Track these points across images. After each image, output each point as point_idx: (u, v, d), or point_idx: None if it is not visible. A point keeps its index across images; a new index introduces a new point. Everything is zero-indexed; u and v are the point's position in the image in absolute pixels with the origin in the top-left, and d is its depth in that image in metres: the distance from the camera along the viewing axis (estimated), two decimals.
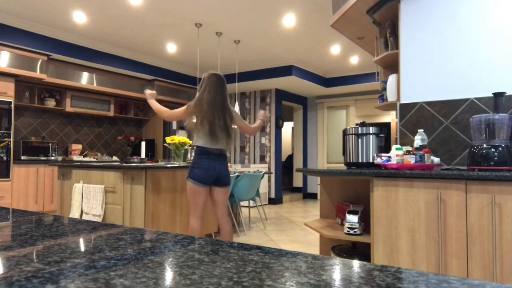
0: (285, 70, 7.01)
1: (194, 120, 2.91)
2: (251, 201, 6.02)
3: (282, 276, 0.42)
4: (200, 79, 7.97)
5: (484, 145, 2.03)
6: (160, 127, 7.39)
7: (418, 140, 2.31)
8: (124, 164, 3.57)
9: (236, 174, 4.87)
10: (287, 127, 11.60)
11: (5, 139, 4.98)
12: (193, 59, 6.95)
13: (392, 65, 3.20)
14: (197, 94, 2.94)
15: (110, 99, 6.75)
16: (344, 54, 6.68)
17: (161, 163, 3.98)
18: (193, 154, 4.30)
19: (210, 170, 2.85)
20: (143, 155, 4.65)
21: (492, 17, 2.45)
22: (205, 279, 0.41)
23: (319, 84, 7.76)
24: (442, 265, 1.92)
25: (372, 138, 2.48)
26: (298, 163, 8.97)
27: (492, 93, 2.19)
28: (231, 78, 7.56)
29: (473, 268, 1.85)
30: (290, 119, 10.68)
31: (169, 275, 0.43)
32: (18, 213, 0.87)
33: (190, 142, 4.12)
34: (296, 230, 5.02)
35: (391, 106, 3.07)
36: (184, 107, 2.95)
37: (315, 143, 8.93)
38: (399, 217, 2.06)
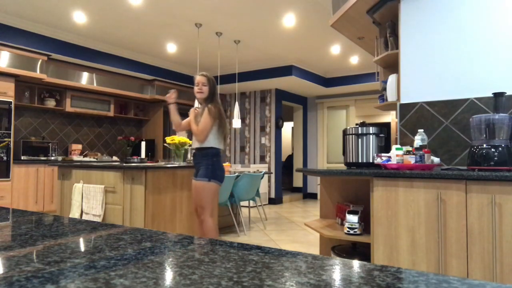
0: (285, 70, 7.00)
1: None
2: (251, 201, 6.02)
3: (282, 276, 0.42)
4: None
5: (484, 145, 2.03)
6: (160, 127, 7.39)
7: (418, 140, 2.31)
8: (124, 164, 3.57)
9: (236, 174, 4.87)
10: (287, 127, 11.60)
11: (5, 139, 4.98)
12: (193, 59, 6.95)
13: (392, 65, 3.20)
14: (213, 98, 3.09)
15: (110, 99, 6.75)
16: (344, 54, 6.68)
17: (161, 163, 3.98)
18: (191, 154, 4.32)
19: (224, 170, 3.13)
20: (143, 155, 4.65)
21: (492, 17, 2.45)
22: (205, 279, 0.41)
23: (319, 84, 7.76)
24: (442, 265, 1.92)
25: (372, 138, 2.48)
26: (298, 163, 8.96)
27: (492, 93, 2.19)
28: (231, 78, 7.56)
29: (473, 268, 1.85)
30: (290, 119, 10.68)
31: (169, 275, 0.43)
32: (18, 213, 0.87)
33: (190, 142, 4.13)
34: (296, 230, 5.02)
35: (391, 106, 3.07)
36: (211, 116, 3.00)
37: (315, 143, 8.93)
38: (399, 217, 2.06)
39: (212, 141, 3.03)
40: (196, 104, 3.23)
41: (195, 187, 3.03)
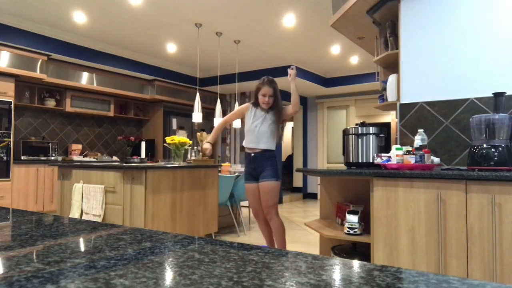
0: (285, 70, 6.99)
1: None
2: None
3: (282, 276, 0.42)
4: (199, 78, 7.97)
5: (484, 145, 2.03)
6: (160, 127, 7.39)
7: (418, 140, 2.31)
8: (124, 164, 3.57)
9: (236, 174, 4.88)
10: (287, 127, 11.60)
11: (5, 139, 4.98)
12: (193, 59, 6.95)
13: (392, 65, 3.20)
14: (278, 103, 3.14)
15: (110, 99, 6.75)
16: (344, 54, 6.68)
17: (161, 163, 3.98)
18: (193, 154, 4.31)
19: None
20: (143, 155, 4.66)
21: (492, 17, 2.45)
22: (205, 279, 0.41)
23: (319, 84, 7.76)
24: (442, 265, 1.92)
25: (372, 138, 2.48)
26: (298, 163, 8.96)
27: (492, 93, 2.19)
28: (231, 78, 7.56)
29: (473, 268, 1.85)
30: (290, 119, 10.67)
31: (169, 275, 0.43)
32: (18, 213, 0.87)
33: (190, 142, 4.13)
34: (296, 230, 5.02)
35: (391, 106, 3.07)
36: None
37: (315, 143, 8.93)
38: (399, 217, 2.06)
39: (274, 143, 3.09)
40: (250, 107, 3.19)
41: (262, 189, 3.03)
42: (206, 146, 3.24)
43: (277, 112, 3.09)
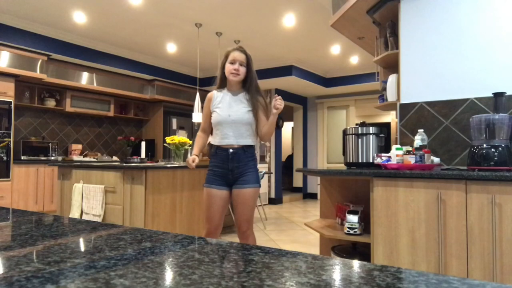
0: (285, 70, 7.00)
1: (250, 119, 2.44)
2: None
3: (282, 276, 0.42)
4: (199, 78, 7.97)
5: (484, 145, 2.03)
6: (160, 127, 7.39)
7: (418, 140, 2.31)
8: (124, 164, 3.57)
9: None
10: (287, 127, 11.59)
11: (5, 139, 4.98)
12: (193, 59, 6.95)
13: (392, 65, 3.20)
14: (253, 82, 2.46)
15: (110, 99, 6.75)
16: (344, 54, 6.68)
17: (161, 163, 3.98)
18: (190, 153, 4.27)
19: None
20: (143, 155, 4.65)
21: (492, 17, 2.45)
22: (205, 279, 0.41)
23: (319, 84, 7.76)
24: (442, 265, 1.92)
25: (372, 138, 2.48)
26: (298, 163, 8.96)
27: (492, 93, 2.19)
28: None
29: (473, 268, 1.85)
30: (290, 119, 10.67)
31: (169, 275, 0.43)
32: (18, 213, 0.87)
33: (190, 142, 4.12)
34: (296, 230, 5.02)
35: (391, 106, 3.07)
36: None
37: (315, 143, 8.93)
38: (399, 217, 2.06)
39: (255, 138, 2.47)
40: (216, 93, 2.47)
41: (244, 198, 2.34)
42: (193, 158, 2.44)
43: (253, 94, 2.40)
